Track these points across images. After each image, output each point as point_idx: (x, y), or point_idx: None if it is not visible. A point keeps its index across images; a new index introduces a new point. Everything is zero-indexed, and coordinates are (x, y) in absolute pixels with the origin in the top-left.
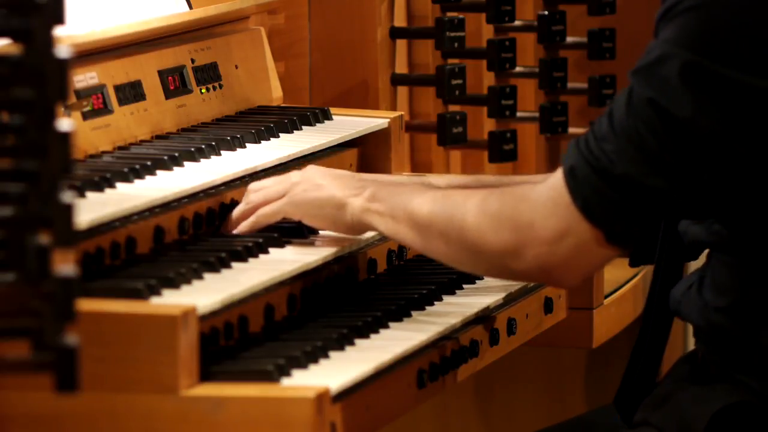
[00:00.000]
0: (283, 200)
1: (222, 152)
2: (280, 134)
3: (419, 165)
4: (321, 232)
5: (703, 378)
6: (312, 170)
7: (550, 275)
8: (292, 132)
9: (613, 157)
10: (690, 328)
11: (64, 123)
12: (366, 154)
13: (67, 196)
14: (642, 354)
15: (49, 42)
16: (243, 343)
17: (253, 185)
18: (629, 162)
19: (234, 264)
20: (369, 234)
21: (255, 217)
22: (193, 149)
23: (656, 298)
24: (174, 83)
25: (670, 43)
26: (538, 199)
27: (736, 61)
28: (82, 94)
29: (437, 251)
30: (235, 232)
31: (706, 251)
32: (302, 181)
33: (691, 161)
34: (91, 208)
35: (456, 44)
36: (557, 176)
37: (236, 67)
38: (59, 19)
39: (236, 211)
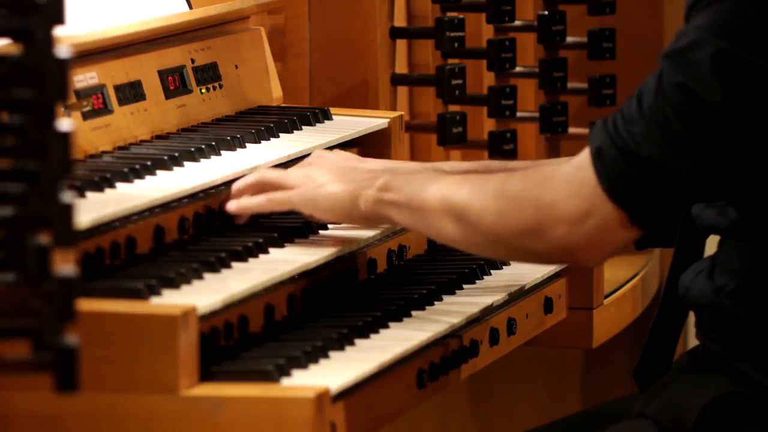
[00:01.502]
0: (295, 192)
1: (222, 152)
2: (280, 134)
3: None
4: (321, 231)
5: (703, 370)
6: (320, 166)
7: (573, 255)
8: (292, 132)
9: (639, 140)
10: (691, 325)
11: (64, 123)
12: (366, 154)
13: (67, 196)
14: (659, 334)
15: (49, 42)
16: (243, 343)
17: (262, 170)
18: (656, 145)
19: (234, 264)
20: (369, 234)
21: (266, 200)
22: (193, 149)
23: (676, 281)
24: (174, 83)
25: (703, 30)
26: (563, 179)
27: (766, 50)
28: (82, 94)
29: (455, 237)
30: (237, 204)
31: (717, 239)
32: (314, 176)
33: (718, 147)
34: (91, 208)
35: (456, 44)
36: (584, 156)
37: (236, 67)
38: (59, 19)
39: (241, 183)
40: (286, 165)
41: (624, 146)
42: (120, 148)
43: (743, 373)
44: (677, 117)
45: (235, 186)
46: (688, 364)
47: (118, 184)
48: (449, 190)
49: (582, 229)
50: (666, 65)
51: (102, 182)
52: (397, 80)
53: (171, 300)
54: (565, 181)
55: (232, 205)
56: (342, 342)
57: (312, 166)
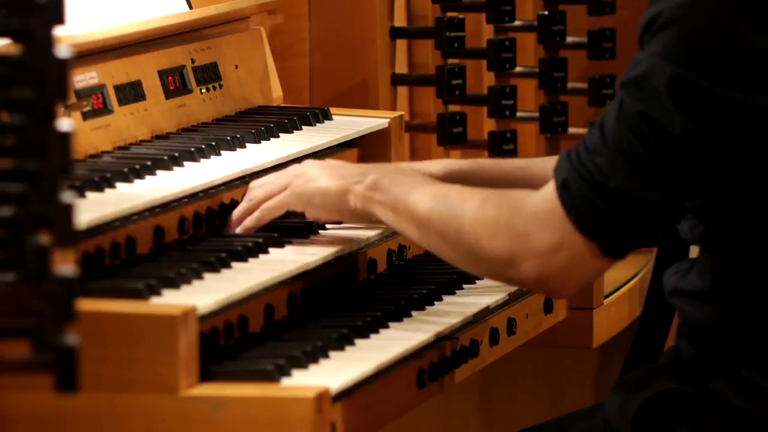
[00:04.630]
0: (285, 193)
1: (222, 152)
2: (280, 134)
3: None
4: (321, 231)
5: (679, 367)
6: (311, 162)
7: (545, 285)
8: (292, 132)
9: (605, 171)
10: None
11: (64, 123)
12: (366, 154)
13: (67, 196)
14: (644, 339)
15: (49, 42)
16: (243, 343)
17: (254, 182)
18: (623, 175)
19: (234, 264)
20: (369, 234)
21: (259, 212)
22: (193, 149)
23: (658, 285)
24: (174, 83)
25: (656, 57)
26: (532, 211)
27: (718, 75)
28: (82, 94)
29: (436, 249)
30: (239, 229)
31: None
32: (303, 172)
33: (684, 173)
34: (91, 208)
35: (456, 44)
36: (550, 189)
37: (236, 67)
38: (59, 19)
39: (238, 210)
40: (286, 165)
41: (590, 178)
42: (120, 148)
43: (689, 370)
44: (641, 146)
45: (234, 214)
46: (670, 359)
47: (118, 184)
48: (431, 202)
49: (553, 262)
50: (625, 94)
51: (102, 182)
52: (397, 80)
53: (171, 300)
54: (534, 213)
55: (237, 232)
56: (342, 342)
57: (302, 164)
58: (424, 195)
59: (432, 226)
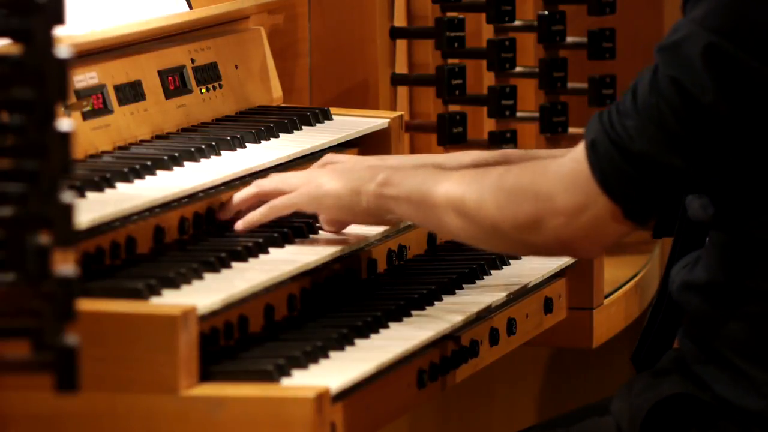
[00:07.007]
0: (295, 193)
1: (222, 152)
2: (280, 134)
3: None
4: (321, 231)
5: (685, 371)
6: (317, 170)
7: (569, 247)
8: (292, 132)
9: (633, 134)
10: None
11: (64, 123)
12: (366, 154)
13: (67, 196)
14: (656, 321)
15: (49, 42)
16: (243, 343)
17: (259, 181)
18: (648, 140)
19: (234, 264)
20: (369, 234)
21: (267, 208)
22: (193, 149)
23: (667, 283)
24: (174, 83)
25: (696, 23)
26: (558, 171)
27: (755, 48)
28: (82, 94)
29: (454, 230)
30: (241, 223)
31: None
32: (313, 176)
33: (709, 143)
34: (91, 208)
35: (456, 44)
36: (579, 149)
37: (236, 67)
38: (59, 19)
39: (239, 194)
40: (286, 165)
41: (618, 140)
42: (120, 148)
43: (695, 374)
44: (670, 112)
45: (235, 198)
46: (673, 359)
47: (118, 184)
48: (449, 184)
49: (578, 222)
50: (660, 59)
51: (102, 182)
52: (397, 80)
53: (171, 300)
54: (561, 174)
55: (239, 225)
56: (342, 342)
57: (314, 171)
58: (441, 179)
59: (450, 206)
